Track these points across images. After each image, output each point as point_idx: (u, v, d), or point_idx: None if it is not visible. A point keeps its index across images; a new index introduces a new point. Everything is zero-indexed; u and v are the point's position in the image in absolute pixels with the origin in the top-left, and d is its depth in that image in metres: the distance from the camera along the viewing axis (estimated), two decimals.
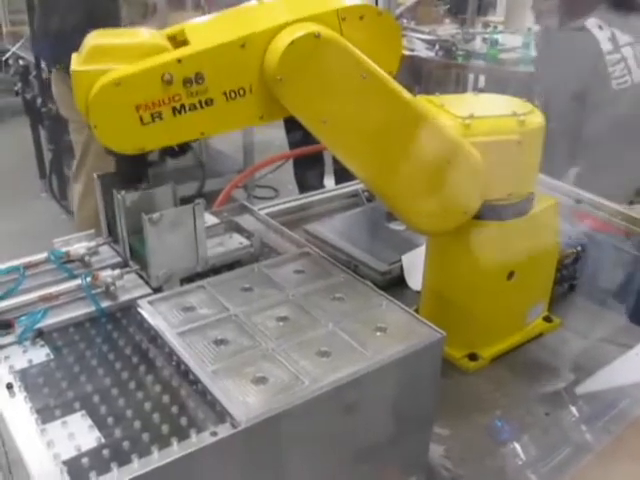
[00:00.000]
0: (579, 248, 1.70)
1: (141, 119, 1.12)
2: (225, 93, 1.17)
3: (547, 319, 1.63)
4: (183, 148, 1.21)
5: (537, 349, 1.56)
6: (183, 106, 1.15)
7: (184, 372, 1.05)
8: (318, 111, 1.21)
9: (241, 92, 1.18)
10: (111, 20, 3.86)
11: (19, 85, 5.27)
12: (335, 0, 1.24)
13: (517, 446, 1.30)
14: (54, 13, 3.55)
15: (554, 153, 1.55)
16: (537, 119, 1.39)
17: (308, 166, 4.57)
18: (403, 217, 1.40)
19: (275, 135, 4.38)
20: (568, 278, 1.70)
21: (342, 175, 1.64)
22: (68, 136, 4.05)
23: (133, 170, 1.27)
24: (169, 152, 1.18)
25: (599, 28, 2.59)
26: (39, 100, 4.69)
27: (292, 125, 4.68)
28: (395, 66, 1.29)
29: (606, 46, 2.59)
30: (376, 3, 3.60)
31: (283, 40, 1.15)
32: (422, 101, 1.35)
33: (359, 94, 1.21)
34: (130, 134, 1.14)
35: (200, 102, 1.15)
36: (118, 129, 1.14)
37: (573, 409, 1.39)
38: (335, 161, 3.00)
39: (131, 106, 1.12)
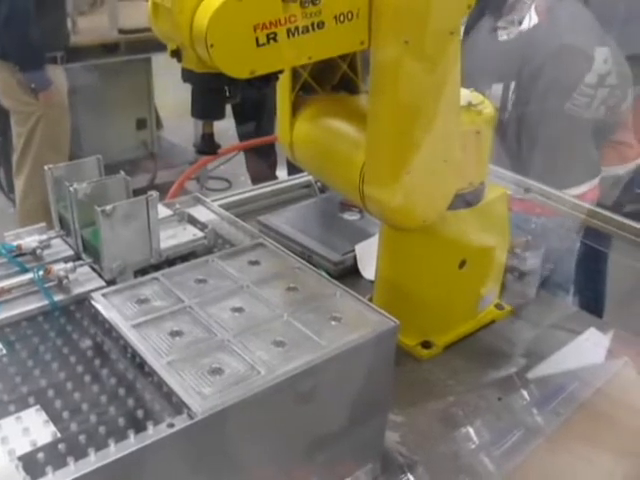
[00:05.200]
0: (529, 237, 1.73)
1: (257, 40, 1.11)
2: (336, 16, 1.19)
3: (498, 307, 1.66)
4: (267, 79, 1.20)
5: (489, 336, 1.59)
6: (297, 28, 1.15)
7: (139, 364, 1.05)
8: None
9: (349, 16, 1.21)
10: (57, 10, 3.81)
11: None
12: None
13: (470, 430, 1.33)
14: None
15: None
16: (489, 109, 1.42)
17: (260, 157, 4.55)
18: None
19: (227, 126, 4.36)
20: (518, 266, 1.73)
21: (295, 166, 1.64)
22: None
23: (211, 103, 1.25)
24: (255, 83, 1.16)
25: None
26: None
27: (242, 117, 4.63)
28: None
29: None
30: None
31: None
32: None
33: None
34: (244, 56, 1.12)
35: (313, 24, 1.17)
36: (234, 50, 1.11)
37: (524, 393, 1.42)
38: None
39: (250, 25, 1.10)
